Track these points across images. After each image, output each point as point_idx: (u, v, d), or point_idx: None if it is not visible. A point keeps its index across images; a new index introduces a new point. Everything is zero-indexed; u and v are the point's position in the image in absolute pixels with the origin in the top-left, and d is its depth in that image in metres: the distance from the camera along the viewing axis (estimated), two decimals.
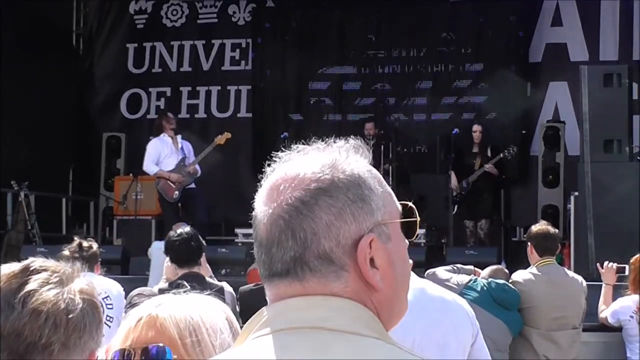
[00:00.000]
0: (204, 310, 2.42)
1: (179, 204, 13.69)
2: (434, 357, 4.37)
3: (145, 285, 7.86)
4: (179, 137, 13.90)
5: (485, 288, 7.73)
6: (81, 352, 1.85)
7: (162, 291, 6.60)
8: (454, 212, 14.39)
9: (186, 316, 2.37)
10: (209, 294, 2.50)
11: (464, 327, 4.70)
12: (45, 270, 1.85)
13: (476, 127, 14.87)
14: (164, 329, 2.34)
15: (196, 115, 17.67)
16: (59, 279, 1.86)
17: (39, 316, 1.79)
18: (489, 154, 14.66)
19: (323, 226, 1.69)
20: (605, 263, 8.94)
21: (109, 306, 7.29)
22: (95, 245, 7.50)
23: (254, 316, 1.75)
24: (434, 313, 4.66)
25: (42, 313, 1.79)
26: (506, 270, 8.44)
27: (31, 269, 1.84)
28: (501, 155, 14.46)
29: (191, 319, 2.37)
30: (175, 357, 2.28)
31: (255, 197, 1.77)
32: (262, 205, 1.74)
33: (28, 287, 1.81)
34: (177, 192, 13.55)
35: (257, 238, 1.74)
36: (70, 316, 1.82)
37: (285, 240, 1.70)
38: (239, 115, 17.65)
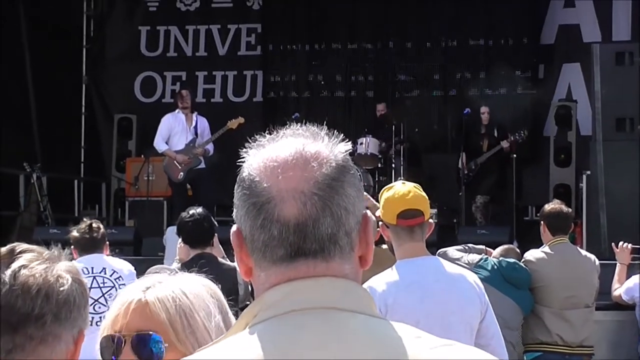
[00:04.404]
0: (194, 292, 2.34)
1: (188, 185, 13.69)
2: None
3: None
4: (194, 114, 13.88)
5: (495, 267, 7.74)
6: (71, 328, 1.89)
7: None
8: (460, 193, 14.36)
9: (175, 299, 2.30)
10: (198, 274, 2.42)
11: (470, 305, 4.70)
12: (31, 251, 1.91)
13: (484, 109, 14.82)
14: (154, 314, 2.29)
15: (212, 100, 17.65)
16: (46, 257, 1.91)
17: (30, 289, 1.84)
18: (495, 135, 14.58)
19: (351, 202, 1.70)
20: (620, 243, 8.93)
21: (121, 286, 7.30)
22: (102, 227, 7.56)
23: (251, 304, 1.72)
24: (440, 293, 4.67)
25: (34, 285, 1.84)
26: (518, 250, 8.45)
27: (18, 250, 1.90)
28: (511, 138, 14.35)
29: (181, 302, 2.30)
30: (166, 345, 2.26)
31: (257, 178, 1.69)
32: (279, 184, 1.67)
33: (17, 264, 1.86)
34: (182, 174, 13.54)
35: (280, 218, 1.67)
36: (61, 289, 1.87)
37: (323, 217, 1.67)
38: (254, 99, 17.65)
